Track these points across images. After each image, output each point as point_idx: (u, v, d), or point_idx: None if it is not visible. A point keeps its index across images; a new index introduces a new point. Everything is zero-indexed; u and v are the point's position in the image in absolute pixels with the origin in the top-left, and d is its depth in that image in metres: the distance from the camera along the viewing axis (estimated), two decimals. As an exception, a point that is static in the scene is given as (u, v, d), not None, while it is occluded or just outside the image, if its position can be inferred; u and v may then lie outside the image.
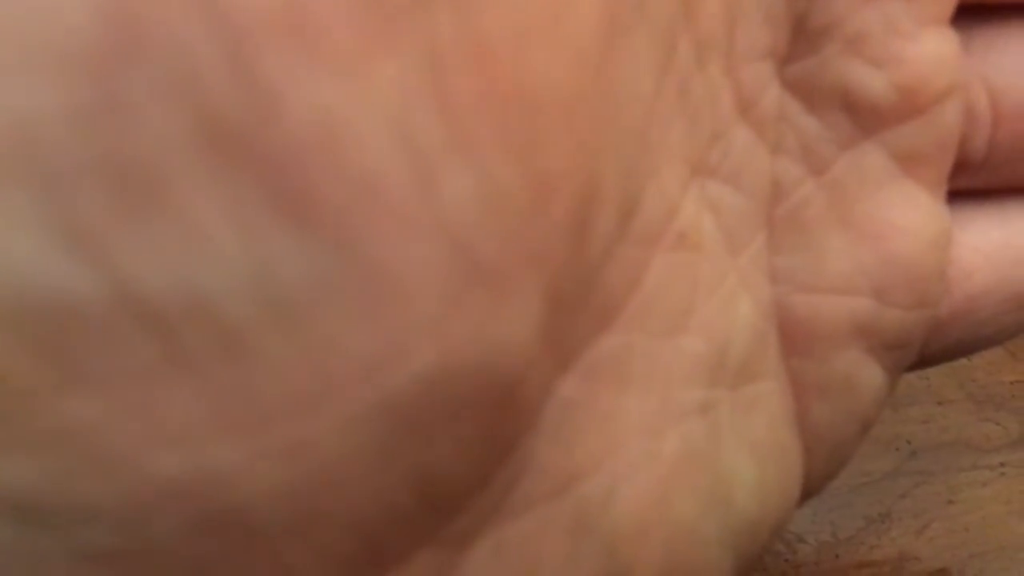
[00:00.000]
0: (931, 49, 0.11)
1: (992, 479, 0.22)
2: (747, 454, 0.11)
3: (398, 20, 0.07)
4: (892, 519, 0.21)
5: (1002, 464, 0.22)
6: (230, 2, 0.06)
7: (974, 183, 0.13)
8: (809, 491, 0.12)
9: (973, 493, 0.22)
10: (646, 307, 0.10)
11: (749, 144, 0.11)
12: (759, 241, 0.11)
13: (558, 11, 0.08)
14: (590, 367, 0.10)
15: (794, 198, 0.12)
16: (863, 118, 0.11)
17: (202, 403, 0.07)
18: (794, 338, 0.12)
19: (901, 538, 0.21)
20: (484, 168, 0.07)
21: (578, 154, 0.08)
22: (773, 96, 0.11)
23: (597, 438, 0.10)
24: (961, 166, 0.12)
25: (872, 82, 0.11)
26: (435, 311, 0.07)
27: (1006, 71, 0.12)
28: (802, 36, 0.11)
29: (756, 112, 0.11)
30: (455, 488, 0.08)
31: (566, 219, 0.08)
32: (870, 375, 0.12)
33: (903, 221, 0.12)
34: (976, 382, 0.23)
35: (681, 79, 0.10)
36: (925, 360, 0.13)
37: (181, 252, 0.07)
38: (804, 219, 0.12)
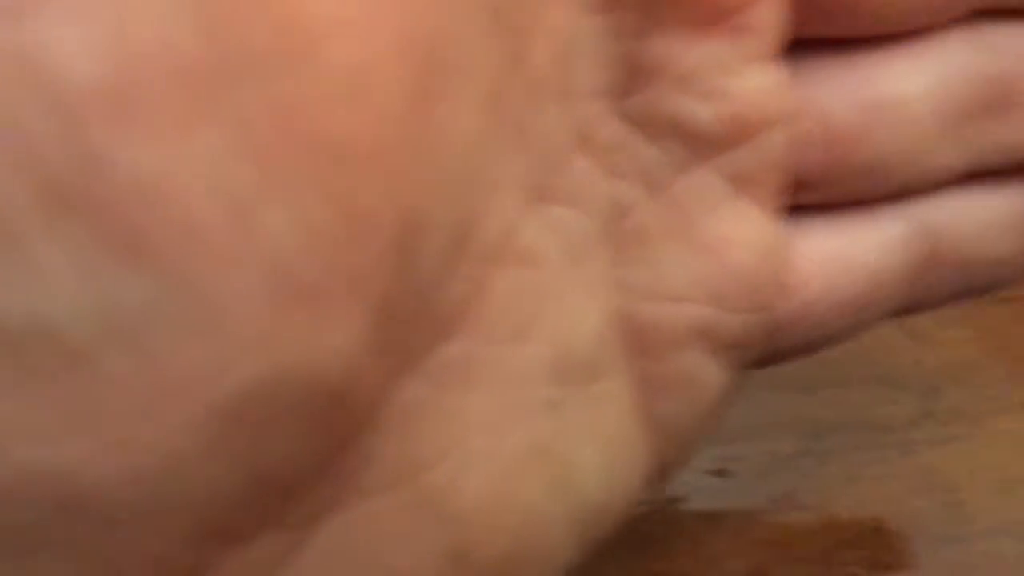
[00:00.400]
0: (755, 84, 0.12)
1: (893, 458, 0.23)
2: (594, 447, 0.13)
3: (211, 92, 0.08)
4: (796, 498, 0.22)
5: (903, 443, 0.23)
6: (65, 85, 0.08)
7: (814, 199, 0.14)
8: (661, 477, 0.14)
9: (875, 471, 0.22)
10: (491, 317, 0.11)
11: (588, 171, 0.12)
12: (602, 256, 0.13)
13: (356, 85, 0.09)
14: (434, 371, 0.11)
15: (635, 217, 0.13)
16: (696, 146, 0.13)
17: (51, 408, 0.08)
18: (639, 342, 0.13)
19: (805, 517, 0.21)
20: (298, 208, 0.09)
21: (393, 194, 0.09)
22: (611, 128, 0.12)
23: (441, 433, 0.11)
24: (801, 184, 0.14)
25: (701, 114, 0.12)
26: (258, 330, 0.09)
27: (836, 98, 0.13)
28: (637, 74, 0.12)
29: (594, 143, 0.12)
30: (292, 479, 0.10)
31: (387, 248, 0.10)
32: (710, 373, 0.13)
33: (737, 235, 0.13)
34: (878, 363, 0.24)
35: (515, 118, 0.11)
36: (771, 358, 0.14)
37: (29, 289, 0.08)
38: (646, 236, 0.13)
